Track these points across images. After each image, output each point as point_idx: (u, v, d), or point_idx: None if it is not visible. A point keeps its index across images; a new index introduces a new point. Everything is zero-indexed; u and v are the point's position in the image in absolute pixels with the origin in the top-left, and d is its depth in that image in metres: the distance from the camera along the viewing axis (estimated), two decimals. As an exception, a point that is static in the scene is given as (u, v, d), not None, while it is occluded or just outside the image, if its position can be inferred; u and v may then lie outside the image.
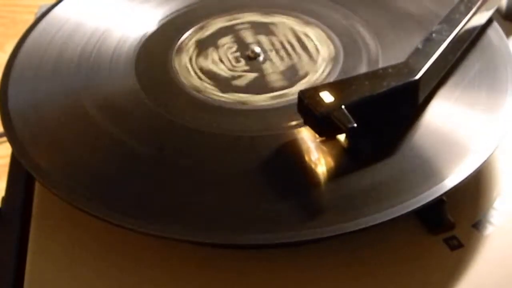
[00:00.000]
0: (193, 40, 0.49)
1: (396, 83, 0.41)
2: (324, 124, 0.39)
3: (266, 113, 0.43)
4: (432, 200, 0.38)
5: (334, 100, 0.39)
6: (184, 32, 0.49)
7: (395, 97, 0.41)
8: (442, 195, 0.38)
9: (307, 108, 0.39)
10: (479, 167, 0.39)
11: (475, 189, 0.43)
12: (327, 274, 0.39)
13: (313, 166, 0.40)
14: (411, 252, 0.39)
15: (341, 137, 0.40)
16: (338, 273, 0.39)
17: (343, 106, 0.39)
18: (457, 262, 0.39)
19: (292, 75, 0.46)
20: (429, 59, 0.42)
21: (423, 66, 0.42)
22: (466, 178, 0.39)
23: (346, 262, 0.39)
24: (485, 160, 0.39)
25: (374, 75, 0.41)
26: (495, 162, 0.44)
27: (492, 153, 0.40)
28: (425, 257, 0.39)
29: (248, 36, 0.49)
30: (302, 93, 0.40)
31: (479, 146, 0.40)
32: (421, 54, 0.43)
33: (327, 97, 0.39)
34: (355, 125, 0.38)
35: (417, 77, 0.41)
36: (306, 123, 0.40)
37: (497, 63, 0.45)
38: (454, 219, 0.41)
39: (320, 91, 0.40)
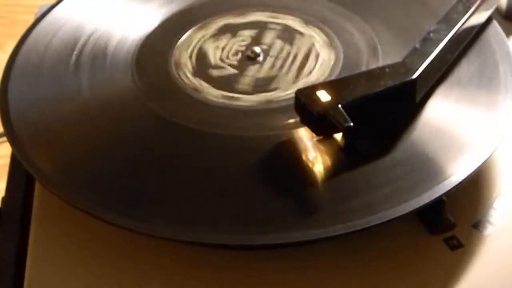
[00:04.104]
0: (193, 41, 0.49)
1: (393, 82, 0.41)
2: (321, 123, 0.39)
3: (264, 113, 0.43)
4: (432, 200, 0.38)
5: (331, 99, 0.39)
6: (184, 33, 0.50)
7: (392, 97, 0.41)
8: (442, 195, 0.38)
9: (304, 107, 0.39)
10: (479, 167, 0.39)
11: (475, 189, 0.43)
12: (327, 274, 0.39)
13: (310, 165, 0.40)
14: (411, 252, 0.39)
15: (338, 136, 0.40)
16: (338, 273, 0.39)
17: (340, 105, 0.39)
18: (457, 262, 0.39)
19: (292, 74, 0.46)
20: (426, 58, 0.42)
21: (420, 66, 0.42)
22: (466, 178, 0.39)
23: (346, 262, 0.39)
24: (485, 160, 0.39)
25: (371, 75, 0.41)
26: (495, 162, 0.44)
27: (492, 153, 0.40)
28: (425, 257, 0.39)
29: (246, 36, 0.49)
30: (299, 92, 0.40)
31: (479, 146, 0.40)
32: (418, 53, 0.43)
33: (324, 96, 0.40)
34: (352, 124, 0.38)
35: (414, 76, 0.41)
36: (303, 122, 0.40)
37: (497, 62, 0.45)
38: (454, 219, 0.40)
39: (317, 90, 0.40)
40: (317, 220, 0.37)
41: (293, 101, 0.41)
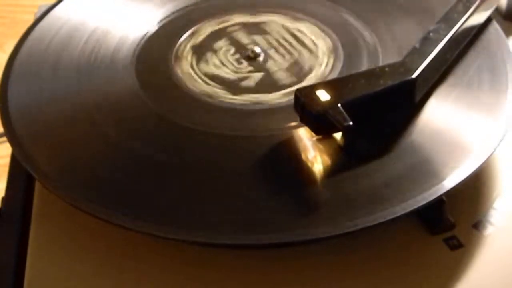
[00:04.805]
0: (193, 40, 0.49)
1: (392, 82, 0.41)
2: (320, 122, 0.39)
3: (264, 112, 0.43)
4: (432, 200, 0.37)
5: (331, 99, 0.39)
6: (184, 32, 0.50)
7: (391, 96, 0.41)
8: (442, 195, 0.38)
9: (304, 106, 0.39)
10: (479, 167, 0.39)
11: (475, 189, 0.43)
12: (327, 274, 0.39)
13: (310, 165, 0.40)
14: (411, 252, 0.39)
15: (338, 135, 0.40)
16: (338, 273, 0.39)
17: (339, 105, 0.39)
18: (457, 262, 0.39)
19: (296, 71, 0.46)
20: (425, 58, 0.42)
21: (419, 66, 0.42)
22: (466, 178, 0.38)
23: (346, 262, 0.39)
24: (485, 160, 0.39)
25: (371, 74, 0.41)
26: (495, 162, 0.44)
27: (492, 153, 0.40)
28: (425, 257, 0.39)
29: (243, 37, 0.49)
30: (298, 92, 0.40)
31: (479, 146, 0.40)
32: (418, 53, 0.43)
33: (323, 95, 0.40)
34: (351, 123, 0.38)
35: (414, 76, 0.41)
36: (303, 121, 0.40)
37: (497, 62, 0.45)
38: (454, 219, 0.40)
39: (317, 90, 0.40)
40: (317, 220, 0.37)
41: (292, 101, 0.41)
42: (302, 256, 0.39)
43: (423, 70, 0.42)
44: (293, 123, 0.42)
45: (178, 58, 0.48)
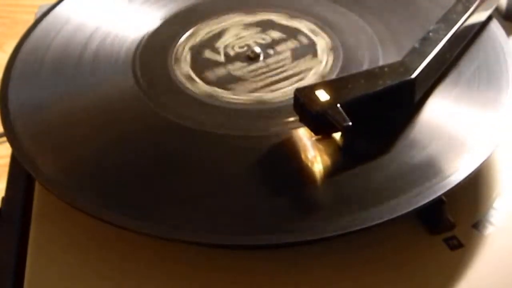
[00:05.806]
0: (194, 40, 0.49)
1: (391, 82, 0.41)
2: (319, 122, 0.39)
3: (264, 112, 0.43)
4: (431, 200, 0.37)
5: (330, 99, 0.39)
6: (185, 32, 0.50)
7: (391, 96, 0.41)
8: (441, 195, 0.38)
9: (303, 106, 0.39)
10: (478, 166, 0.39)
11: (475, 189, 0.43)
12: (327, 274, 0.39)
13: (309, 165, 0.40)
14: (411, 252, 0.39)
15: (337, 135, 0.40)
16: (337, 273, 0.39)
17: (338, 105, 0.39)
18: (457, 262, 0.39)
19: (296, 71, 0.46)
20: (425, 58, 0.42)
21: (419, 66, 0.42)
22: (465, 177, 0.38)
23: (346, 262, 0.39)
24: (485, 160, 0.39)
25: (370, 74, 0.41)
26: (495, 162, 0.44)
27: (492, 153, 0.40)
28: (425, 257, 0.39)
29: (246, 36, 0.49)
30: (298, 92, 0.40)
31: (479, 146, 0.40)
32: (417, 53, 0.43)
33: (323, 95, 0.40)
34: (351, 123, 0.38)
35: (413, 76, 0.41)
36: (302, 121, 0.40)
37: (497, 61, 0.45)
38: (454, 219, 0.40)
39: (316, 90, 0.40)
40: (316, 220, 0.37)
41: (292, 101, 0.41)
42: (302, 256, 0.39)
43: (422, 70, 0.42)
44: (293, 123, 0.42)
45: (177, 58, 0.48)
